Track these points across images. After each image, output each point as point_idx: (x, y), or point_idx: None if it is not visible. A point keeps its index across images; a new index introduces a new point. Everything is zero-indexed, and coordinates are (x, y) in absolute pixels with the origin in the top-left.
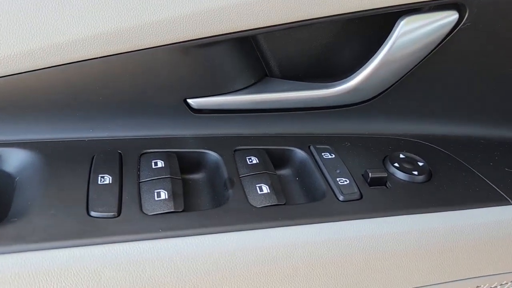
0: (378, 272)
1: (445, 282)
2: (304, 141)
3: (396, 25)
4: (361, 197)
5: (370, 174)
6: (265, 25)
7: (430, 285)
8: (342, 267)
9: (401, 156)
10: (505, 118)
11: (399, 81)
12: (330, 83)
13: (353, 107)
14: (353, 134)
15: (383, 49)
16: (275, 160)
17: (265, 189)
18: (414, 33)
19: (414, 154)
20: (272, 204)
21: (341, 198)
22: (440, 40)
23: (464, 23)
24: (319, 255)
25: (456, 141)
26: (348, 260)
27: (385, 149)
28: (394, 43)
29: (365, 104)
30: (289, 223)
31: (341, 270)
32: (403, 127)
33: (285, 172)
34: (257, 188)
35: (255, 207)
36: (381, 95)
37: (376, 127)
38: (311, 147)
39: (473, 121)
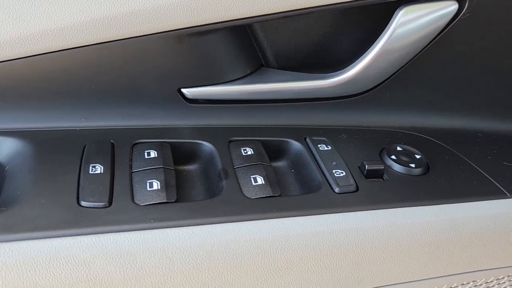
0: (374, 265)
1: (442, 276)
2: (300, 133)
3: (394, 14)
4: (357, 189)
5: (366, 166)
6: (261, 14)
7: (426, 279)
8: (337, 259)
9: (398, 148)
10: (504, 111)
11: (397, 72)
12: (327, 74)
13: (350, 98)
14: (350, 126)
15: (381, 39)
16: (271, 151)
17: (260, 180)
18: (413, 23)
19: (412, 147)
20: (267, 195)
21: (336, 190)
22: (439, 30)
23: (463, 14)
24: (313, 247)
25: (454, 134)
26: (343, 252)
27: (382, 141)
28: (392, 33)
29: (362, 95)
30: (283, 215)
31: (336, 262)
32: (400, 119)
33: (280, 163)
34: (252, 179)
35: (249, 198)
36: (379, 86)
37: (374, 119)
38: (307, 139)
39: (471, 114)
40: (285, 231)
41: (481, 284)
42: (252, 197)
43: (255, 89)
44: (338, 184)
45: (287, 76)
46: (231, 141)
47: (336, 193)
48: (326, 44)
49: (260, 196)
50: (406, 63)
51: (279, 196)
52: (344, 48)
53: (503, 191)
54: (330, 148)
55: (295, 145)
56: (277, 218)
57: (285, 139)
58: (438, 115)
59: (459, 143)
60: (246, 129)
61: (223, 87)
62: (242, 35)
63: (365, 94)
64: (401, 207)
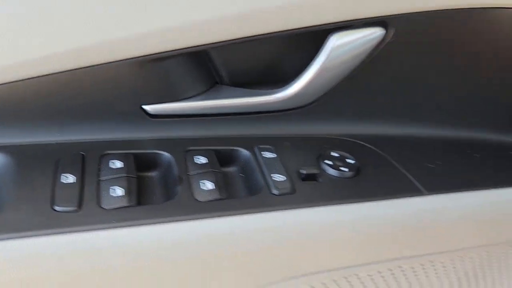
0: (309, 253)
1: (370, 263)
2: (250, 142)
3: (327, 39)
4: (294, 191)
5: (303, 170)
6: (215, 41)
7: (359, 265)
8: (278, 251)
9: (332, 154)
10: (429, 118)
11: (334, 88)
12: (273, 90)
13: (294, 110)
14: (294, 135)
15: (315, 60)
16: (223, 159)
17: (210, 185)
18: (344, 47)
19: (346, 152)
20: (215, 198)
21: (275, 192)
22: (368, 52)
23: (390, 38)
24: (256, 241)
25: (387, 140)
26: (282, 244)
27: (320, 147)
28: (327, 55)
29: (305, 108)
30: (228, 214)
31: (276, 253)
32: (339, 128)
33: (231, 169)
34: (203, 184)
35: (200, 201)
36: (319, 99)
37: (315, 128)
38: (255, 147)
39: (402, 122)
40: (231, 229)
41: (406, 269)
42: (202, 200)
43: (210, 104)
44: (277, 187)
45: (238, 92)
46: (187, 150)
47: (275, 195)
48: (272, 64)
49: (209, 199)
50: (341, 80)
51: (226, 199)
52: (287, 68)
53: (420, 189)
54: (274, 155)
55: (244, 152)
56: (223, 217)
57: (236, 148)
58: (373, 122)
59: (390, 147)
60: (202, 139)
61: (181, 104)
62: (198, 58)
63: (307, 107)
64: (333, 205)
